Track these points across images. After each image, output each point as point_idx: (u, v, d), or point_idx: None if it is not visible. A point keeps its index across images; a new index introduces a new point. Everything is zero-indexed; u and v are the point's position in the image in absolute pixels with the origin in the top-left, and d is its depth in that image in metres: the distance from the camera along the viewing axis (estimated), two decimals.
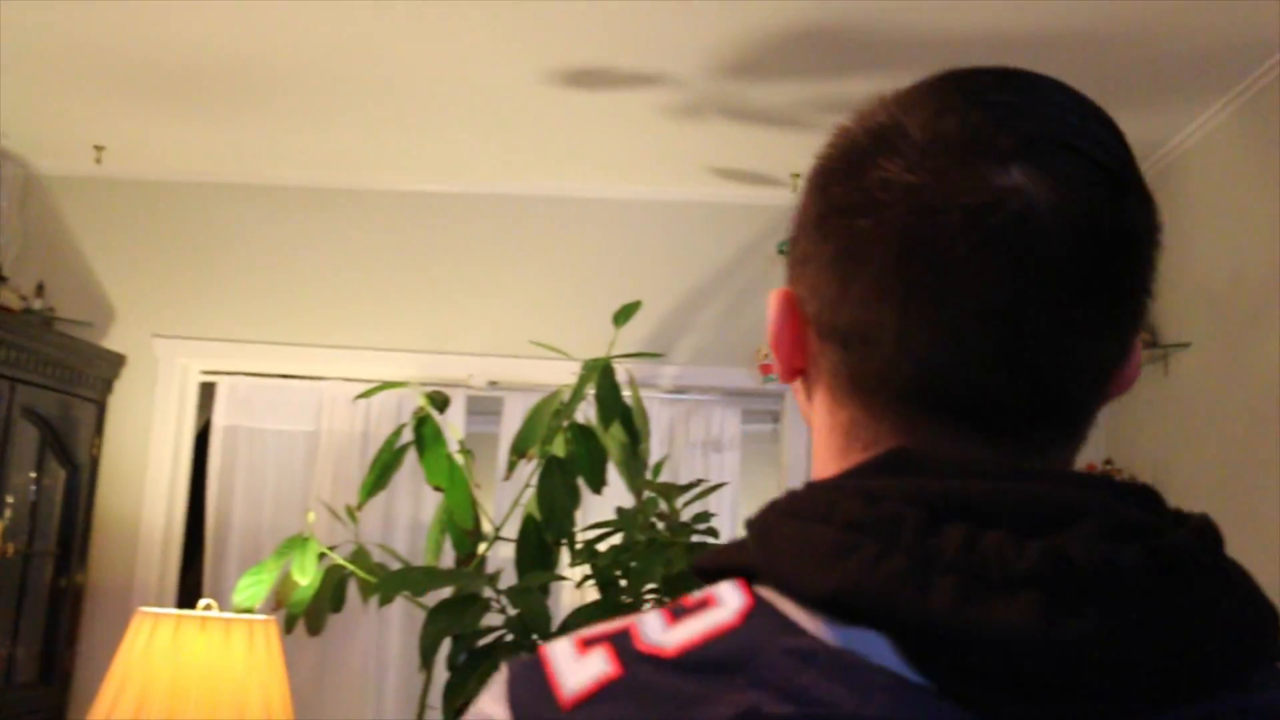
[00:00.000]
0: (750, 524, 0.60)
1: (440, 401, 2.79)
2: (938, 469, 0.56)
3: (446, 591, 2.87)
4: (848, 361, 0.60)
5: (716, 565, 0.60)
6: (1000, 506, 0.53)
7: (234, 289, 3.87)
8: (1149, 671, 0.51)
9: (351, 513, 3.17)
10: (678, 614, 0.56)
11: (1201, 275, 3.11)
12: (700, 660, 0.53)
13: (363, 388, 3.80)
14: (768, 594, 0.56)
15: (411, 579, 2.56)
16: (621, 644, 0.56)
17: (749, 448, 4.01)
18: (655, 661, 0.54)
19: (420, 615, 3.65)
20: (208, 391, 3.93)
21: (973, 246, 0.56)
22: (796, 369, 0.65)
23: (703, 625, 0.55)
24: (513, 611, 2.57)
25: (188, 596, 3.80)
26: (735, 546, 0.60)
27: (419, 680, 3.71)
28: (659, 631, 0.55)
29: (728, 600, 0.56)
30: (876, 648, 0.52)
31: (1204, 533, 0.55)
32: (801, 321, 0.64)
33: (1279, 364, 2.70)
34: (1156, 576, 0.52)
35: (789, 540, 0.55)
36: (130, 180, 3.90)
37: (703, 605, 0.56)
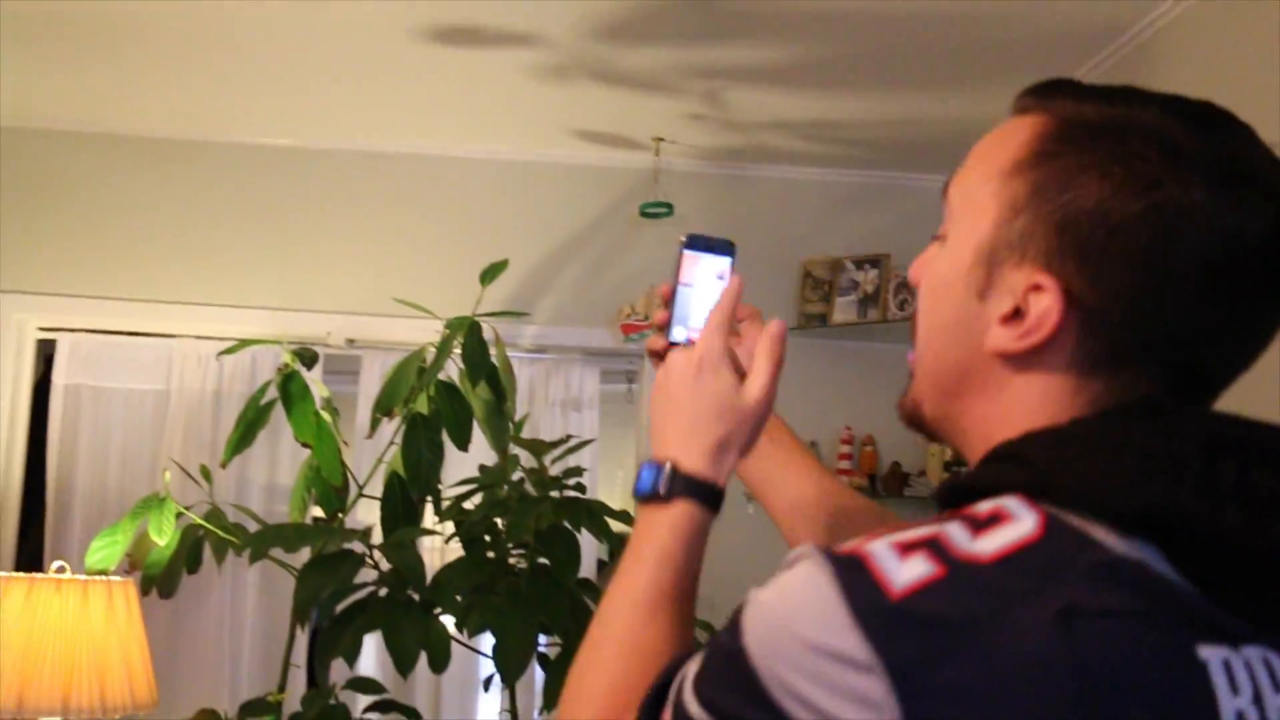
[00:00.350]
0: (1012, 451, 0.73)
1: (308, 357, 2.75)
2: (1191, 416, 0.71)
3: (305, 554, 2.86)
4: (1129, 340, 0.74)
5: (982, 484, 0.72)
6: (1257, 446, 0.68)
7: (77, 242, 3.72)
8: None
9: (206, 473, 3.11)
10: (977, 526, 0.67)
11: None
12: (1016, 564, 0.64)
13: (216, 345, 3.73)
14: (1052, 510, 0.67)
15: (284, 535, 2.52)
16: (938, 549, 0.65)
17: (603, 407, 4.05)
18: (976, 565, 0.64)
19: (278, 577, 3.62)
20: (48, 348, 3.77)
21: (1261, 260, 0.72)
22: (1039, 346, 0.76)
23: (1009, 537, 0.65)
24: (386, 567, 2.56)
25: (25, 562, 3.66)
26: (993, 471, 0.73)
27: (277, 642, 3.68)
28: (968, 541, 0.65)
29: (1021, 515, 0.67)
30: (1155, 559, 0.65)
31: None
32: (1070, 305, 0.74)
33: None
34: None
35: (1090, 465, 0.67)
36: None
37: (996, 519, 0.67)
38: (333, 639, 2.44)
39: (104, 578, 2.68)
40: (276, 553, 2.75)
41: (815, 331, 3.80)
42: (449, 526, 2.79)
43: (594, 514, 2.56)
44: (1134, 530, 0.66)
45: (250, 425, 2.71)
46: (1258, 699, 0.64)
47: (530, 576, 2.59)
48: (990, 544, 0.65)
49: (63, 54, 3.24)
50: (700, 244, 1.15)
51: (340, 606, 2.53)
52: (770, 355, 0.98)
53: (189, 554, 2.95)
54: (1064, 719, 0.60)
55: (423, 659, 2.42)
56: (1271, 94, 2.34)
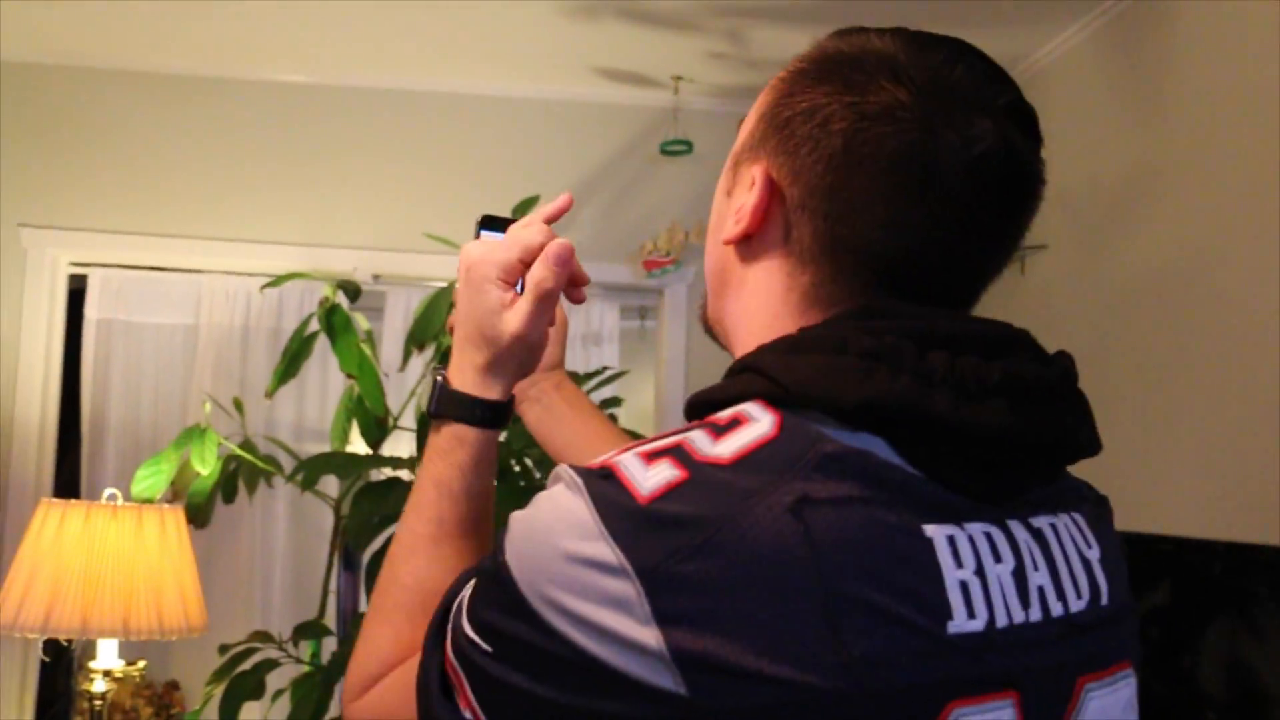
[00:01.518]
0: (750, 363, 0.76)
1: (351, 290, 2.82)
2: (906, 314, 0.75)
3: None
4: (828, 231, 0.78)
5: (725, 396, 0.75)
6: (964, 338, 0.74)
7: (108, 178, 3.77)
8: (1052, 452, 0.75)
9: (239, 405, 3.19)
10: (718, 431, 0.70)
11: (1059, 181, 3.33)
12: (752, 463, 0.68)
13: (245, 281, 3.80)
14: (788, 412, 0.72)
15: (335, 463, 2.60)
16: (681, 455, 0.69)
17: (619, 342, 4.13)
18: (715, 467, 0.68)
19: (307, 507, 3.71)
20: (82, 285, 3.83)
21: (961, 166, 0.76)
22: (749, 234, 0.82)
23: (747, 437, 0.69)
24: None
25: (62, 490, 3.75)
26: (734, 383, 0.76)
27: (307, 571, 3.78)
28: (709, 445, 0.69)
29: (759, 417, 0.71)
30: (881, 448, 0.70)
31: (1073, 362, 0.80)
32: (773, 195, 0.81)
33: (1130, 265, 2.95)
34: (1064, 387, 0.77)
35: (814, 367, 0.72)
36: None
37: (736, 423, 0.71)
38: (380, 565, 2.53)
39: (155, 505, 2.77)
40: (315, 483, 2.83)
41: None
42: None
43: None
44: (859, 424, 0.70)
45: (295, 356, 2.78)
46: (979, 570, 0.70)
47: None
48: (729, 446, 0.69)
49: None
50: (494, 224, 1.10)
51: (386, 533, 2.62)
52: (535, 284, 0.92)
53: (225, 484, 3.04)
54: (802, 599, 0.64)
55: None
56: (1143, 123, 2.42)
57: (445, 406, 0.92)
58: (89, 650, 3.04)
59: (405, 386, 3.45)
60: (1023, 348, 0.77)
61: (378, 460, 2.65)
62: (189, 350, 3.78)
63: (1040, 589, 0.73)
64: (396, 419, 2.92)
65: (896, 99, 0.76)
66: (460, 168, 3.88)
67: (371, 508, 2.47)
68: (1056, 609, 0.74)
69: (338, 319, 2.76)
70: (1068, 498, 0.81)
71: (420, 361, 3.03)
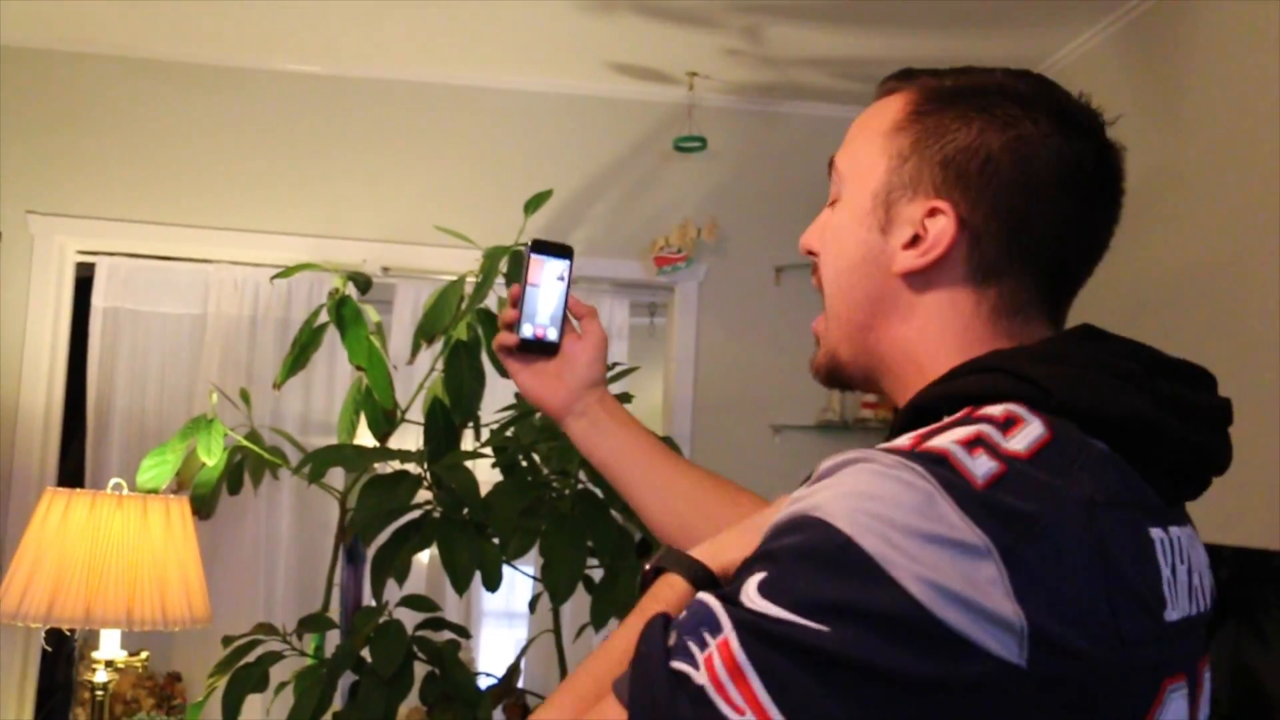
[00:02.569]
0: (998, 364, 0.84)
1: (362, 282, 2.79)
2: (1117, 340, 0.89)
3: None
4: (1012, 247, 0.89)
5: (979, 391, 0.83)
6: (1174, 369, 0.88)
7: (116, 167, 3.75)
8: (1215, 471, 0.89)
9: (246, 396, 3.17)
10: (1002, 429, 0.78)
11: None
12: (1043, 460, 0.76)
13: (253, 271, 3.78)
14: (1049, 417, 0.80)
15: (344, 455, 2.58)
16: (989, 447, 0.75)
17: (629, 339, 4.11)
18: (1019, 460, 0.75)
19: (311, 499, 3.69)
20: (89, 273, 3.81)
21: (1099, 174, 0.91)
22: (933, 265, 0.91)
23: (1031, 437, 0.77)
24: (437, 489, 2.63)
25: (66, 479, 3.73)
26: (985, 379, 0.84)
27: (310, 564, 3.76)
28: (1003, 439, 0.77)
29: (1030, 420, 0.79)
30: (1105, 447, 0.81)
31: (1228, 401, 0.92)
32: (960, 226, 0.90)
33: (1150, 267, 2.92)
34: (1229, 420, 0.90)
35: (1077, 379, 0.82)
36: (4, 47, 3.71)
37: (1013, 422, 0.78)
38: (388, 558, 2.51)
39: (160, 495, 2.74)
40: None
41: None
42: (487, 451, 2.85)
43: None
44: (1093, 431, 0.80)
45: (304, 347, 2.76)
46: (1174, 569, 0.82)
47: (576, 501, 2.65)
48: (1021, 443, 0.76)
49: None
50: (544, 249, 1.27)
51: (393, 527, 2.60)
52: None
53: (231, 475, 3.01)
54: (1096, 584, 0.73)
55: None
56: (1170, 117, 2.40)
57: (668, 561, 0.94)
58: (90, 640, 3.02)
59: (413, 380, 3.42)
60: (1213, 384, 0.91)
61: (385, 453, 2.62)
62: (196, 340, 3.76)
63: (1196, 589, 0.87)
64: (404, 412, 2.90)
65: (1045, 123, 0.90)
66: (472, 161, 3.86)
67: (379, 501, 2.44)
68: (1200, 605, 0.87)
69: (348, 311, 2.73)
70: (1184, 510, 0.93)
71: (429, 354, 3.00)
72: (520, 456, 2.83)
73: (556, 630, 2.80)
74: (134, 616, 2.54)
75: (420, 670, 2.60)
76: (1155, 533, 0.81)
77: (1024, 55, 3.43)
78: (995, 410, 0.79)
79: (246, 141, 3.79)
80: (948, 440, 0.75)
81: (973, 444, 0.75)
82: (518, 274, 2.88)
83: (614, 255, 3.86)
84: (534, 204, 2.99)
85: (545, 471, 2.82)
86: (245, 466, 3.05)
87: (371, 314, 2.93)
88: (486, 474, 2.91)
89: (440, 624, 2.68)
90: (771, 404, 3.87)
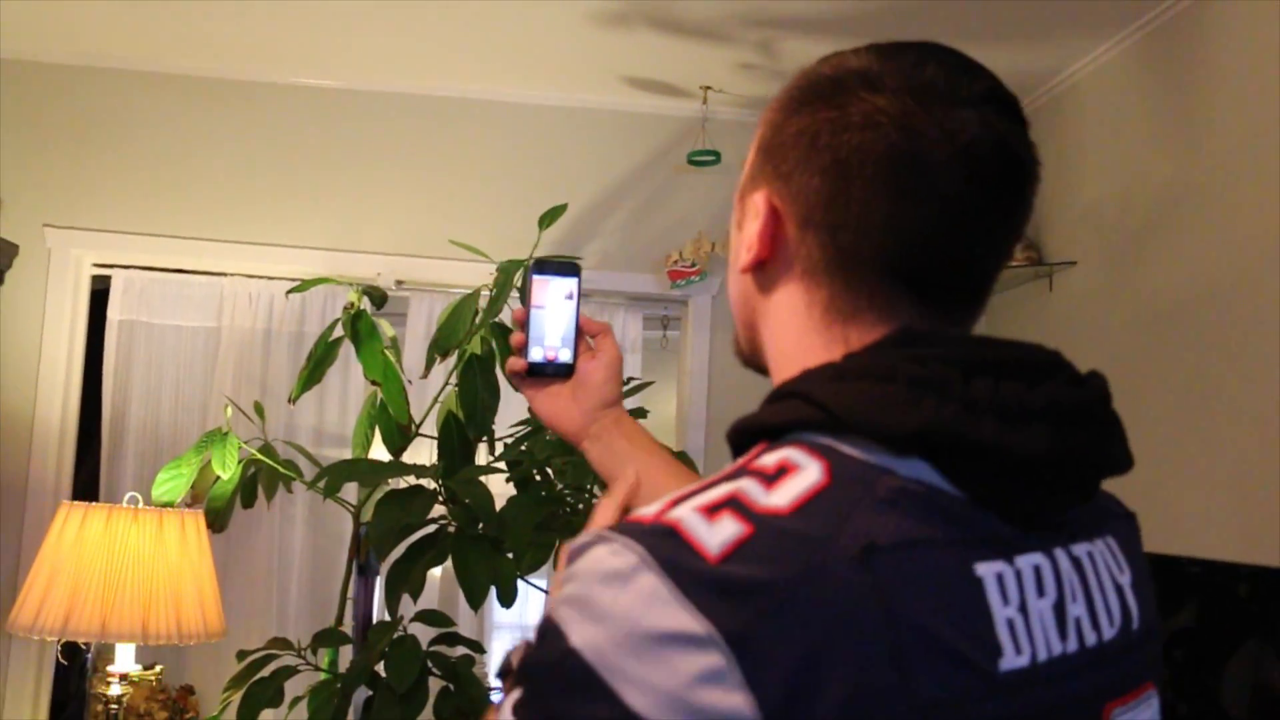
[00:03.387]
0: (795, 389, 0.77)
1: (377, 296, 2.80)
2: (948, 341, 0.77)
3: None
4: (834, 244, 0.80)
5: (776, 422, 0.76)
6: (1005, 364, 0.75)
7: (132, 180, 3.76)
8: (1091, 473, 0.77)
9: (260, 410, 3.17)
10: (768, 480, 0.70)
11: (1090, 198, 3.31)
12: (811, 511, 0.68)
13: (267, 285, 3.79)
14: (831, 441, 0.73)
15: (359, 469, 2.58)
16: (739, 507, 0.68)
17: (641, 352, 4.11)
18: (775, 517, 0.67)
19: (325, 513, 3.69)
20: (105, 286, 3.83)
21: (948, 158, 0.77)
22: (762, 260, 0.85)
23: (800, 485, 0.69)
24: (451, 504, 2.63)
25: (80, 492, 3.74)
26: (780, 408, 0.77)
27: (323, 578, 3.76)
28: (764, 495, 0.69)
29: (806, 465, 0.71)
30: (928, 473, 0.71)
31: (1106, 384, 0.82)
32: (777, 221, 0.83)
33: (1161, 284, 2.91)
34: (1100, 410, 0.78)
35: (865, 395, 0.73)
36: (21, 60, 3.74)
37: (784, 471, 0.71)
38: (403, 573, 2.51)
39: (175, 509, 2.75)
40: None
41: None
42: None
43: None
44: (907, 450, 0.71)
45: (319, 362, 2.76)
46: (1023, 607, 0.72)
47: (587, 514, 2.65)
48: (784, 495, 0.68)
49: None
50: (548, 268, 1.23)
51: (408, 542, 2.60)
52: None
53: (245, 488, 3.02)
54: (874, 649, 0.65)
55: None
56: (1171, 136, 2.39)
57: None
58: (104, 652, 3.02)
59: (427, 394, 3.43)
60: (1060, 372, 0.78)
61: (401, 467, 2.62)
62: (210, 353, 3.77)
63: (1077, 620, 0.76)
64: (418, 426, 2.90)
65: (875, 105, 0.78)
66: (486, 175, 3.87)
67: (394, 516, 2.44)
68: (1090, 639, 0.76)
69: (363, 325, 2.74)
70: (1102, 518, 0.84)
71: (443, 369, 3.01)
72: (534, 471, 2.83)
73: None
74: (149, 630, 2.55)
75: (434, 685, 2.60)
76: (986, 568, 0.71)
77: (1038, 69, 3.42)
78: (770, 459, 0.73)
79: (261, 155, 3.80)
80: (687, 509, 0.69)
81: (718, 507, 0.68)
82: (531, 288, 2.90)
83: (628, 269, 3.87)
84: (548, 218, 3.00)
85: (559, 486, 2.82)
86: (259, 480, 3.05)
87: (386, 328, 2.93)
88: (501, 488, 2.91)
89: (454, 639, 2.68)
90: None
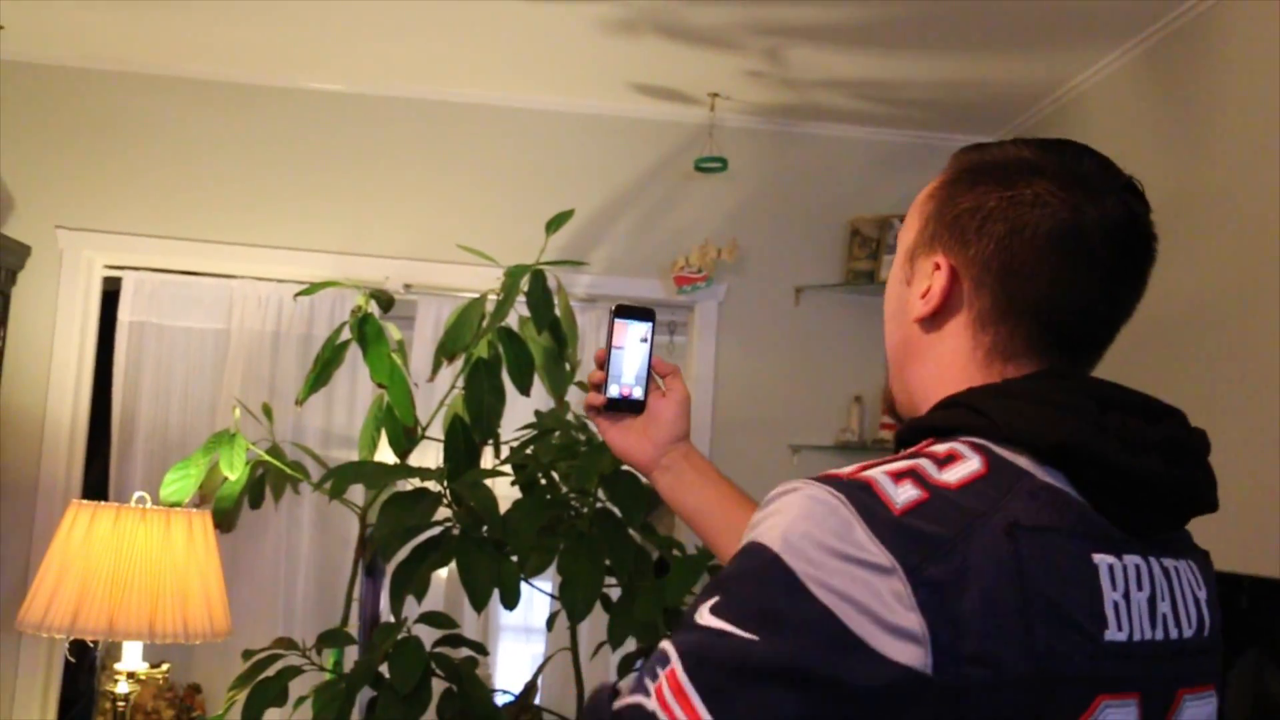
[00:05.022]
0: (962, 400, 0.97)
1: (384, 300, 2.82)
2: (1082, 379, 0.97)
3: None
4: (1005, 297, 0.99)
5: (945, 423, 0.96)
6: (1133, 404, 0.96)
7: (143, 183, 3.80)
8: (1188, 504, 0.95)
9: (269, 411, 3.20)
10: (939, 463, 0.89)
11: None
12: (973, 491, 0.87)
13: (276, 287, 3.82)
14: (987, 443, 0.91)
15: (365, 472, 2.61)
16: (918, 478, 0.87)
17: None
18: (946, 489, 0.86)
19: (332, 514, 3.72)
20: (114, 285, 3.86)
21: (1102, 233, 0.98)
22: (937, 312, 1.03)
23: (964, 470, 0.89)
24: (454, 505, 2.65)
25: (90, 492, 3.77)
26: (949, 414, 0.97)
27: (329, 579, 3.78)
28: (936, 472, 0.88)
29: (969, 456, 0.90)
30: (1063, 482, 0.90)
31: (1206, 437, 1.00)
32: (954, 279, 1.01)
33: (1167, 294, 2.92)
34: (1201, 455, 0.98)
35: (1022, 412, 0.92)
36: (34, 63, 3.77)
37: (952, 458, 0.90)
38: (408, 575, 2.53)
39: (183, 509, 2.77)
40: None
41: (862, 288, 3.86)
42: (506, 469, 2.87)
43: None
44: (1049, 460, 0.90)
45: (327, 364, 2.79)
46: (1126, 594, 0.90)
47: (595, 520, 2.67)
48: (953, 475, 0.87)
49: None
50: (628, 313, 1.36)
51: (412, 544, 2.62)
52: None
53: (252, 489, 3.04)
54: (1009, 601, 0.82)
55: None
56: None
57: None
58: (112, 650, 3.05)
59: (434, 397, 3.45)
60: (1175, 418, 0.98)
61: (406, 470, 2.65)
62: (220, 355, 3.80)
63: (1164, 616, 0.93)
64: (425, 429, 2.93)
65: (1044, 188, 0.98)
66: (494, 179, 3.89)
67: (399, 518, 2.47)
68: (1174, 634, 0.94)
69: (370, 328, 2.76)
70: (1186, 546, 1.01)
71: (449, 372, 3.03)
72: (540, 475, 2.85)
73: (574, 648, 2.81)
74: (156, 629, 2.57)
75: (438, 687, 2.62)
76: (1101, 559, 0.89)
77: (1044, 79, 3.44)
78: (940, 448, 0.91)
79: (271, 158, 3.83)
80: (879, 471, 0.87)
81: (902, 475, 0.87)
82: (539, 294, 2.93)
83: (634, 274, 3.89)
84: (556, 223, 3.02)
85: (564, 490, 2.84)
86: (266, 481, 3.08)
87: (393, 331, 2.96)
88: (506, 491, 2.93)
89: (458, 641, 2.70)
90: (790, 424, 3.88)
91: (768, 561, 0.83)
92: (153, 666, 2.80)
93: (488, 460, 2.91)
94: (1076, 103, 3.47)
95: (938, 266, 1.02)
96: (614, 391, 1.35)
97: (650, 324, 1.37)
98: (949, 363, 1.03)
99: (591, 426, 2.79)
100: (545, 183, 3.86)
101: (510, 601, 2.54)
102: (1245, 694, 2.23)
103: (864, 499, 0.84)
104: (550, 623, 3.02)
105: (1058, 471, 0.90)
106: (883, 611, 0.80)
